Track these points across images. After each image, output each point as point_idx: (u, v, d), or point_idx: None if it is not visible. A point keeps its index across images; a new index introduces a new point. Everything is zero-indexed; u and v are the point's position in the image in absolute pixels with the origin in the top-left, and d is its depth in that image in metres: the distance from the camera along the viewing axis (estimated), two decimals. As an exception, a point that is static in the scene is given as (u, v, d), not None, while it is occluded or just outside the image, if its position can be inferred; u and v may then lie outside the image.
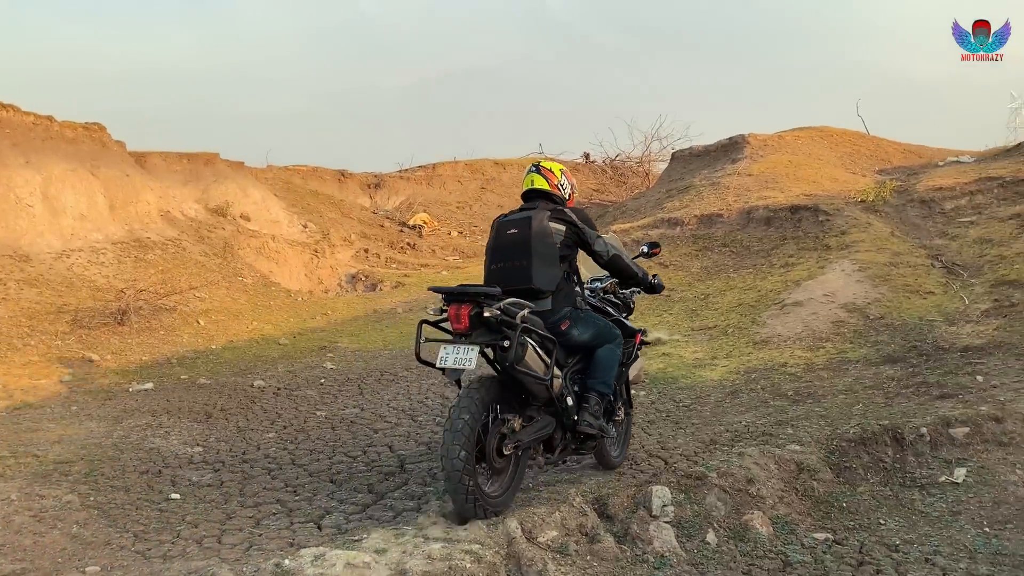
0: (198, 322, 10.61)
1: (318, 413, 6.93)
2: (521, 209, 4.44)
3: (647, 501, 4.06)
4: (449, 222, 19.39)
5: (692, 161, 17.65)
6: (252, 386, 7.87)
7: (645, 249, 5.47)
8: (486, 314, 3.74)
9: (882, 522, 4.13)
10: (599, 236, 4.41)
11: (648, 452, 5.39)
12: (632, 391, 5.31)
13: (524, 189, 4.54)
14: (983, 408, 5.24)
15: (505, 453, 3.89)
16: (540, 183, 4.46)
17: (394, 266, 15.89)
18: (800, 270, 10.29)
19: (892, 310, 8.57)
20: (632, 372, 5.21)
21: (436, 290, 4.07)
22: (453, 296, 3.91)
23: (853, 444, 4.75)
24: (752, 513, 4.04)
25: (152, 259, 12.25)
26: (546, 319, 4.11)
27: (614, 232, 14.28)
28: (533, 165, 4.57)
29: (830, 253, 10.56)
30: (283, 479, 5.16)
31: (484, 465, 3.85)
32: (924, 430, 4.83)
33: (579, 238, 4.31)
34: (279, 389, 7.85)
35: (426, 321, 4.12)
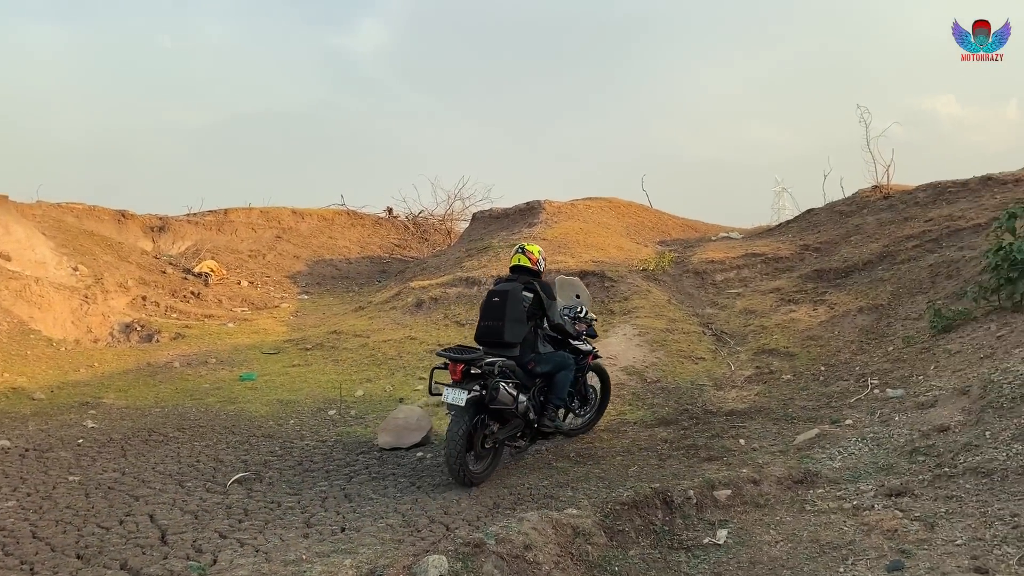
0: (-69, 373, 9.31)
1: (71, 478, 6.24)
2: (507, 280, 6.62)
3: (424, 572, 3.93)
4: (239, 271, 18.48)
5: (492, 223, 18.09)
6: (-9, 448, 6.96)
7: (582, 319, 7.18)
8: (472, 371, 5.99)
9: (650, 585, 4.25)
10: (553, 303, 6.58)
11: (431, 518, 5.26)
12: (609, 382, 7.68)
13: (512, 264, 6.74)
14: (744, 470, 5.60)
15: (486, 447, 6.08)
16: (524, 261, 6.66)
17: (175, 316, 14.85)
18: (587, 333, 10.71)
19: (667, 374, 9.08)
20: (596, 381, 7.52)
21: (442, 355, 6.17)
22: (452, 358, 6.03)
23: (627, 507, 4.89)
24: (527, 581, 4.01)
25: None
26: (517, 361, 6.24)
27: (414, 286, 14.26)
28: (519, 247, 6.77)
29: (614, 318, 11.09)
30: (19, 556, 4.55)
31: (472, 453, 5.96)
32: (691, 492, 5.07)
33: (541, 305, 6.47)
34: (27, 450, 7.01)
35: (437, 367, 6.30)
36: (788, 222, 15.84)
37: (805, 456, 5.97)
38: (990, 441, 5.04)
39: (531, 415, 6.34)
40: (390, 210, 24.20)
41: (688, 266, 13.68)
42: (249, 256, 19.79)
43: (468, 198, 23.24)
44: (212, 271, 17.34)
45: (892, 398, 7.06)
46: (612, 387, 8.31)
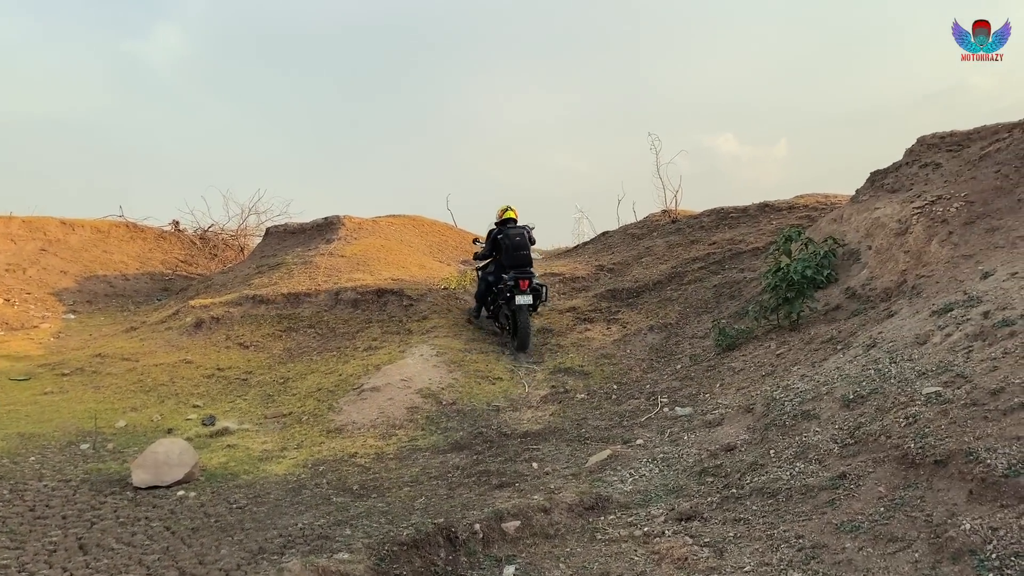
0: None
1: None
2: (513, 225, 10.41)
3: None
4: (-7, 287, 16.26)
5: (287, 238, 17.09)
6: None
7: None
8: (535, 281, 9.98)
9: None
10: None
11: (181, 570, 4.52)
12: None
13: (505, 216, 10.46)
14: (535, 498, 5.29)
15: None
16: (514, 215, 10.51)
17: (-99, 338, 12.70)
18: (382, 354, 10.15)
19: (464, 395, 8.72)
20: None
21: (515, 277, 9.90)
22: (521, 277, 9.82)
23: (406, 548, 4.41)
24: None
25: None
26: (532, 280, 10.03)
27: (194, 305, 13.04)
28: (507, 207, 10.49)
29: (411, 337, 10.62)
30: None
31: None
32: (477, 527, 4.68)
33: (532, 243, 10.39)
34: None
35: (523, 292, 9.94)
36: (585, 243, 16.14)
37: (597, 479, 5.77)
38: (774, 460, 5.04)
39: (531, 299, 10.19)
40: (176, 223, 22.35)
41: (489, 285, 13.48)
42: (6, 271, 17.48)
43: (264, 212, 21.89)
44: (-46, 286, 15.09)
45: (681, 416, 7.08)
46: (405, 412, 7.83)
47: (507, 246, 10.13)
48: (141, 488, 6.48)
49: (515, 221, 10.44)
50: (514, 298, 9.86)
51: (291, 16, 62.83)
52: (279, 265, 14.63)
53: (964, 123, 9.32)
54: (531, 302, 10.00)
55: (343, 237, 15.83)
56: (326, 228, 16.59)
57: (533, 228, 10.61)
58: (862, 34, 54.59)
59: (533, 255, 10.68)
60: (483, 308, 11.04)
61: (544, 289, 10.23)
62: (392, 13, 62.93)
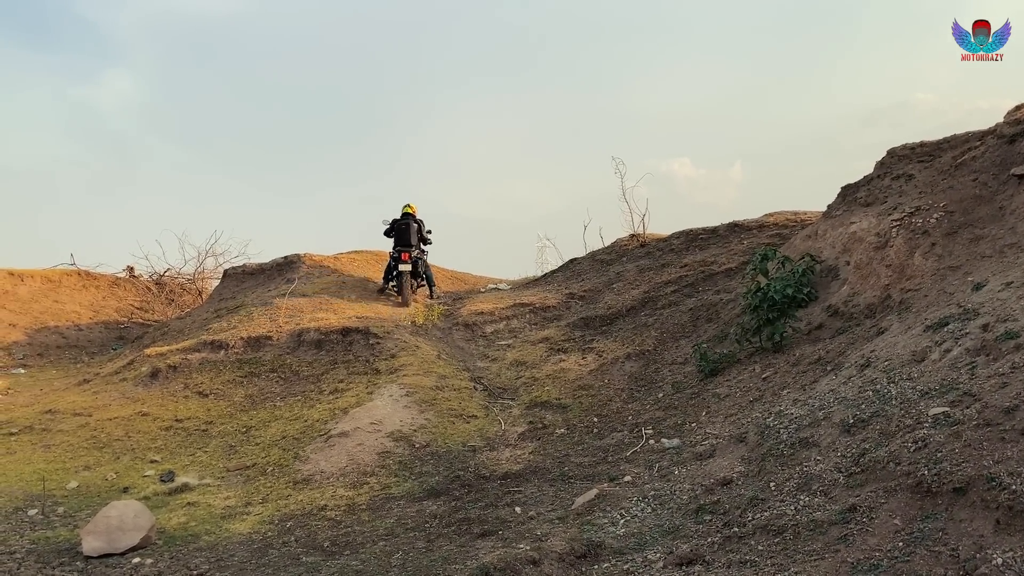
0: None
1: None
2: (405, 217, 14.37)
3: None
4: (-65, 344, 15.49)
5: (246, 280, 16.55)
6: None
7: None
8: (414, 254, 13.97)
9: None
10: (421, 228, 14.51)
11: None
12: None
13: (403, 211, 14.50)
14: (522, 547, 4.91)
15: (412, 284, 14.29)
16: (411, 210, 14.52)
17: None
18: (349, 396, 9.69)
19: (437, 437, 8.29)
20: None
21: (399, 250, 13.87)
22: (404, 251, 13.80)
23: (384, 616, 3.97)
24: None
25: None
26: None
27: (150, 354, 12.45)
28: (407, 203, 14.63)
29: (379, 377, 10.17)
30: None
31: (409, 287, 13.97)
32: (461, 587, 4.26)
33: (420, 229, 14.37)
34: None
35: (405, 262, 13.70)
36: (553, 272, 15.83)
37: (586, 523, 5.38)
38: (776, 493, 4.70)
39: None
40: (131, 269, 21.64)
41: (458, 319, 13.09)
42: (-51, 326, 16.70)
43: (222, 254, 21.28)
44: None
45: (669, 449, 6.73)
46: (376, 457, 7.40)
47: (399, 231, 14.17)
48: (93, 557, 5.98)
49: (412, 215, 14.46)
50: (397, 266, 13.82)
51: (245, 57, 62.41)
52: (238, 308, 14.09)
53: (912, 138, 9.23)
54: (410, 270, 13.83)
55: (304, 276, 15.36)
56: (286, 267, 16.10)
57: (429, 231, 14.75)
58: (811, 55, 55.71)
59: (502, 287, 14.51)
60: (387, 281, 14.48)
61: (419, 263, 14.21)
62: (349, 49, 62.83)
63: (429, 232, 14.73)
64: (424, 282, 14.53)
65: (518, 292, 14.63)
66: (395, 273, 13.92)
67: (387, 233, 14.45)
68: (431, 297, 14.48)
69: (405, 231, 14.10)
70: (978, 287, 5.90)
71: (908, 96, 53.07)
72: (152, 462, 8.68)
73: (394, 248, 14.15)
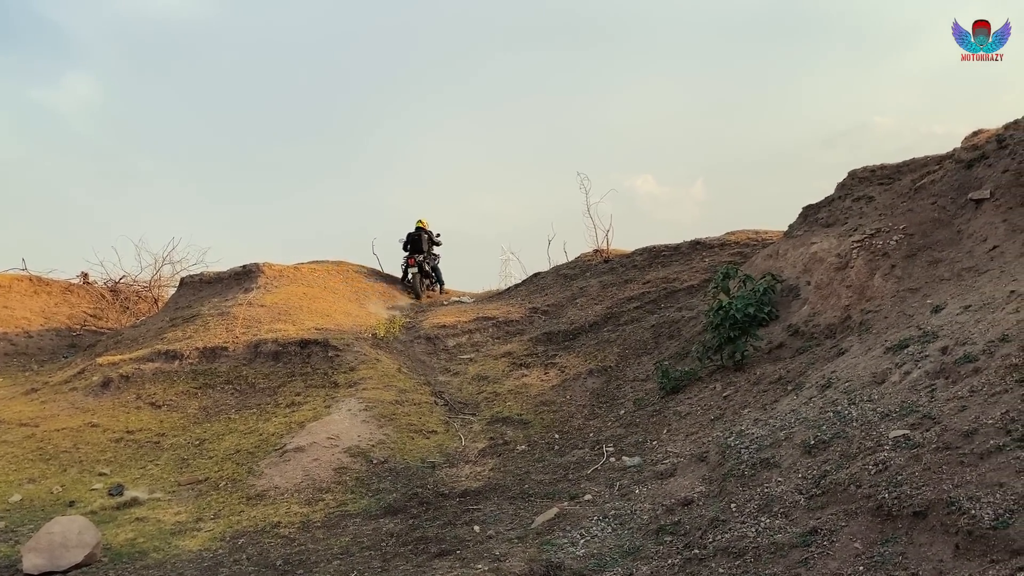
0: None
1: None
2: (417, 230, 17.06)
3: None
4: None
5: (203, 288, 16.21)
6: None
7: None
8: (419, 259, 16.84)
9: None
10: (430, 239, 17.22)
11: None
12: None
13: (417, 225, 17.19)
14: (479, 566, 4.82)
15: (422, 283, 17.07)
16: (423, 224, 17.21)
17: None
18: (306, 410, 9.50)
19: (396, 452, 8.16)
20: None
21: (409, 256, 16.86)
22: (412, 257, 16.79)
23: (336, 641, 3.84)
24: None
25: None
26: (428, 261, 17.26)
27: (102, 363, 12.12)
28: (420, 218, 17.34)
29: (338, 391, 9.99)
30: None
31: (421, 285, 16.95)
32: (417, 609, 4.14)
33: (430, 239, 17.17)
34: None
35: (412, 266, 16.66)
36: (517, 285, 15.79)
37: (546, 543, 5.30)
38: (736, 515, 4.66)
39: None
40: (85, 275, 21.09)
41: (420, 332, 12.96)
42: None
43: (179, 262, 20.80)
44: None
45: (630, 467, 6.68)
46: (333, 473, 7.25)
47: (412, 241, 16.77)
48: (33, 575, 5.73)
49: (423, 228, 17.03)
50: (408, 270, 16.72)
51: (205, 61, 61.62)
52: (194, 317, 13.80)
53: (871, 160, 9.37)
54: (418, 271, 16.60)
55: (263, 286, 15.09)
56: (244, 277, 15.80)
57: (439, 235, 17.45)
58: (773, 76, 56.62)
59: (465, 300, 15.99)
60: (403, 280, 17.08)
61: (427, 265, 16.97)
62: (313, 57, 62.38)
63: (439, 235, 17.62)
64: (435, 280, 17.53)
65: (481, 305, 14.54)
66: (407, 274, 17.05)
67: (404, 246, 17.14)
68: (439, 293, 17.45)
69: (416, 241, 16.91)
70: (937, 310, 5.96)
71: (867, 118, 54.15)
72: (101, 475, 8.42)
73: (407, 255, 17.05)
